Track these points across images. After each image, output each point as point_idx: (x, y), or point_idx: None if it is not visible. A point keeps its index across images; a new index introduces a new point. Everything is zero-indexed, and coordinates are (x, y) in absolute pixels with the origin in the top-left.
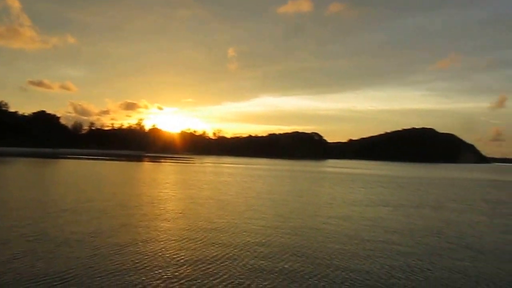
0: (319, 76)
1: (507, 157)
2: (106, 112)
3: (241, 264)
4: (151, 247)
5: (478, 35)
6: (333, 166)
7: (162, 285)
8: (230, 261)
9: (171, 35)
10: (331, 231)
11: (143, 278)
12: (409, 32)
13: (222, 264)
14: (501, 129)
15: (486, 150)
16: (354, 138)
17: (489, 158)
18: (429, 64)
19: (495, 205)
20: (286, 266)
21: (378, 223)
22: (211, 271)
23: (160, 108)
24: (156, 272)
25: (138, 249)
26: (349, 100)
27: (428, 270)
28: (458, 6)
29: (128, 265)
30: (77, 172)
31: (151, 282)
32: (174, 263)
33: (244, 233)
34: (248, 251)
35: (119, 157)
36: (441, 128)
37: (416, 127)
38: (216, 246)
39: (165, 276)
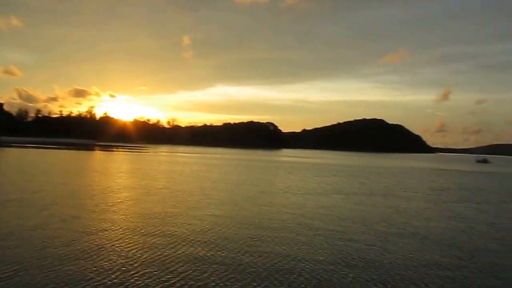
0: (274, 66)
1: (450, 147)
2: (54, 99)
3: (194, 254)
4: (104, 238)
5: (426, 30)
6: (287, 155)
7: (112, 274)
8: (183, 252)
9: (123, 21)
10: (286, 220)
11: (94, 269)
12: (361, 25)
13: (174, 255)
14: (445, 121)
15: (431, 140)
16: (307, 128)
17: (434, 148)
18: (379, 57)
19: (440, 193)
20: (240, 256)
21: (332, 211)
22: (163, 262)
23: (112, 96)
24: (106, 262)
25: (89, 240)
26: (303, 91)
27: (382, 255)
28: (408, 2)
29: (79, 256)
30: (23, 161)
31: (101, 272)
32: (126, 254)
33: (199, 223)
34: (202, 241)
35: (68, 146)
36: (390, 119)
37: (367, 118)
38: (169, 236)
39: (115, 267)
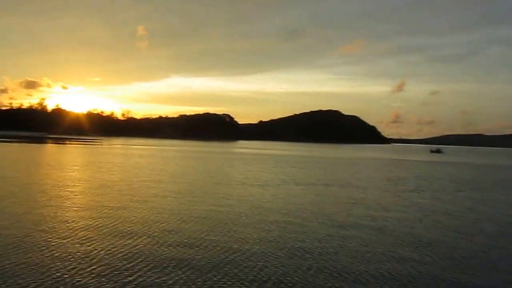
0: (231, 57)
1: (405, 137)
2: (3, 91)
3: (149, 249)
4: (57, 233)
5: (381, 22)
6: (244, 147)
7: (62, 271)
8: (137, 247)
9: (75, 10)
10: (244, 212)
11: (43, 264)
12: (318, 16)
13: (128, 251)
14: (400, 112)
15: (386, 131)
16: (264, 120)
17: (389, 138)
18: (336, 48)
19: (396, 182)
20: (197, 250)
21: (290, 202)
22: (116, 258)
23: (64, 87)
24: (55, 258)
25: (41, 236)
26: (259, 82)
27: (339, 246)
28: None
29: (31, 251)
30: None
31: (49, 267)
32: (80, 249)
33: (156, 217)
34: (158, 236)
35: (19, 139)
36: (346, 110)
37: (323, 109)
38: (124, 231)
39: (66, 263)
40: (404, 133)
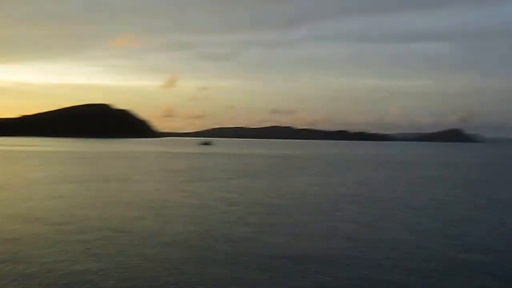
0: None
1: (178, 131)
2: None
3: None
4: None
5: (151, 17)
6: (3, 144)
7: None
8: None
9: None
10: (13, 215)
11: None
12: (86, 6)
13: None
14: (172, 106)
15: (160, 125)
16: (28, 114)
17: (162, 132)
18: (105, 40)
19: (173, 174)
20: None
21: (68, 201)
22: None
23: None
24: None
25: None
26: (19, 72)
27: (126, 240)
28: None
29: None
30: None
31: None
32: None
33: None
34: None
35: None
36: (116, 104)
37: (93, 103)
38: None
39: None
40: (176, 127)
